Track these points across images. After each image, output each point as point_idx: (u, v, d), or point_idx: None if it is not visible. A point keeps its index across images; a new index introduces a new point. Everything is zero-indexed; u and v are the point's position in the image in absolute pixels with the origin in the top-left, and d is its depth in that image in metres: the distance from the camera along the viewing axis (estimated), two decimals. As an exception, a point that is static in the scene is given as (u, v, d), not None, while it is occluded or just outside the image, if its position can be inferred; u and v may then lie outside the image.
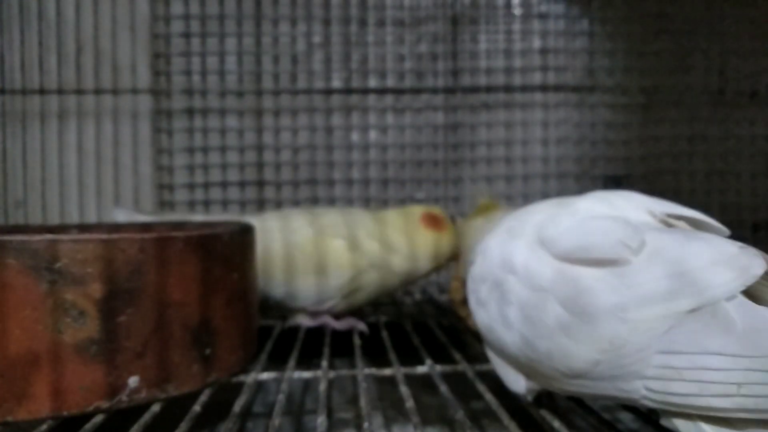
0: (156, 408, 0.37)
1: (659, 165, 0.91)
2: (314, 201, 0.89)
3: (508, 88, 0.90)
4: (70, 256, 0.34)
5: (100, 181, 0.84)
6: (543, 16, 0.90)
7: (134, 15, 0.84)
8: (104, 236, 0.36)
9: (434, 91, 0.90)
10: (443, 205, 0.86)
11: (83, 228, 0.55)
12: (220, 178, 0.87)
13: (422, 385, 0.52)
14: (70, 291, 0.34)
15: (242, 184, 0.88)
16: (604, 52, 0.91)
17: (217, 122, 0.87)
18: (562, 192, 0.89)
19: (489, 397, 0.38)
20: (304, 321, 0.61)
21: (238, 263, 0.44)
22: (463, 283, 0.57)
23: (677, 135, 0.91)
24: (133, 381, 0.36)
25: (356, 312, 0.64)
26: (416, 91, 0.90)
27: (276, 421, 0.35)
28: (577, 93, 0.91)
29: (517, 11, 0.90)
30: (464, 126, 0.91)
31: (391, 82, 0.90)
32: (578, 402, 0.39)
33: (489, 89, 0.90)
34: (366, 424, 0.34)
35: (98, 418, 0.35)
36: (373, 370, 0.45)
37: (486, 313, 0.36)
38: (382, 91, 0.90)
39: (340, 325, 0.60)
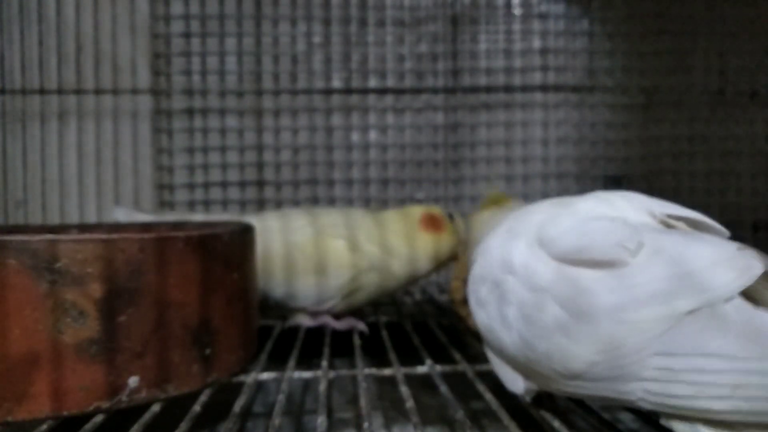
0: (156, 408, 0.37)
1: (659, 165, 0.91)
2: (314, 201, 0.89)
3: (508, 88, 0.90)
4: (70, 256, 0.34)
5: (100, 181, 0.84)
6: (543, 16, 0.90)
7: (134, 15, 0.84)
8: (104, 236, 0.36)
9: (434, 91, 0.90)
10: (443, 205, 0.86)
11: (83, 228, 0.55)
12: (220, 178, 0.87)
13: (422, 385, 0.52)
14: (70, 291, 0.34)
15: (242, 184, 0.88)
16: (604, 52, 0.91)
17: (217, 122, 0.87)
18: (562, 192, 0.89)
19: (489, 397, 0.38)
20: (304, 321, 0.61)
21: (238, 263, 0.44)
22: (464, 283, 0.57)
23: (677, 135, 0.91)
24: (133, 381, 0.36)
25: (356, 312, 0.64)
26: (416, 91, 0.90)
27: (276, 421, 0.35)
28: (577, 93, 0.91)
29: (517, 11, 0.90)
30: (464, 126, 0.91)
31: (391, 82, 0.90)
32: (578, 402, 0.39)
33: (489, 89, 0.90)
34: (366, 424, 0.34)
35: (98, 418, 0.35)
36: (373, 370, 0.45)
37: (485, 313, 0.36)
38: (382, 91, 0.90)
39: (340, 325, 0.60)
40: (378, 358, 0.50)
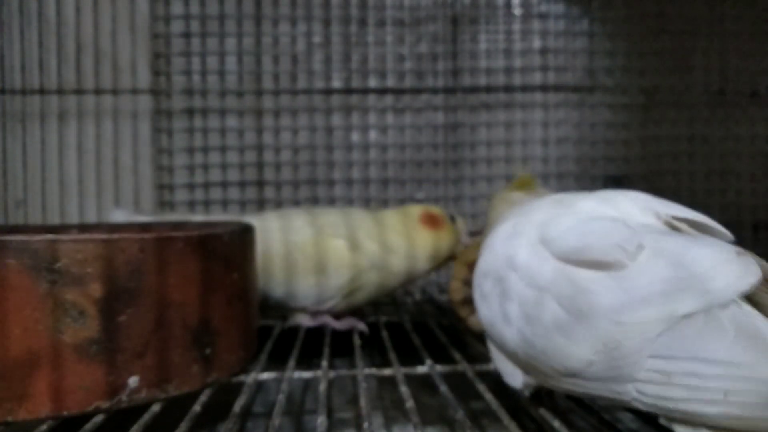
0: (156, 408, 0.37)
1: (659, 165, 0.91)
2: (314, 201, 0.89)
3: (508, 88, 0.90)
4: (70, 256, 0.34)
5: (100, 181, 0.84)
6: (543, 16, 0.90)
7: (134, 15, 0.84)
8: (104, 236, 0.36)
9: (434, 91, 0.90)
10: (443, 205, 0.86)
11: (83, 228, 0.55)
12: (220, 178, 0.87)
13: (422, 385, 0.52)
14: (70, 291, 0.34)
15: (242, 184, 0.87)
16: (604, 52, 0.91)
17: (217, 122, 0.87)
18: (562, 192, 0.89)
19: (489, 397, 0.38)
20: (304, 321, 0.61)
21: (238, 263, 0.44)
22: (463, 283, 0.57)
23: (677, 135, 0.91)
24: (133, 381, 0.36)
25: (356, 312, 0.64)
26: (416, 91, 0.90)
27: (276, 421, 0.35)
28: (577, 93, 0.91)
29: (517, 11, 0.90)
30: (464, 126, 0.91)
31: (391, 82, 0.90)
32: (578, 402, 0.39)
33: (489, 89, 0.90)
34: (366, 424, 0.34)
35: (98, 418, 0.35)
36: (373, 370, 0.45)
37: (488, 307, 0.37)
38: (382, 91, 0.90)
39: (340, 325, 0.60)
40: (378, 358, 0.50)
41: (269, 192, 0.88)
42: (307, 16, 0.88)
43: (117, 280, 0.36)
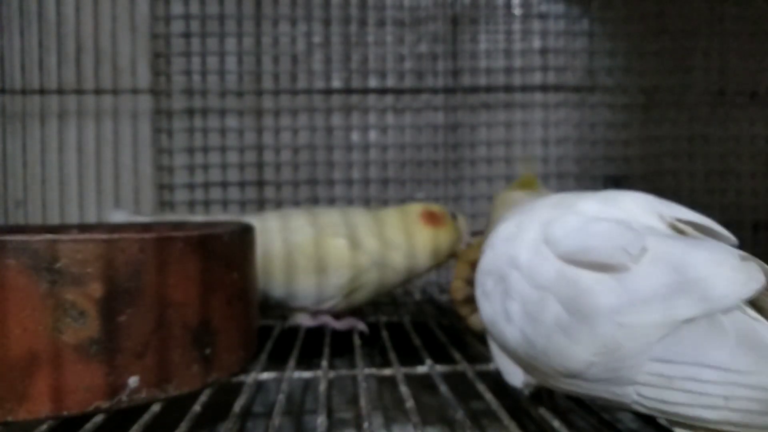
0: (156, 408, 0.37)
1: (659, 165, 0.91)
2: (314, 201, 0.89)
3: (508, 88, 0.90)
4: (70, 256, 0.34)
5: (100, 181, 0.84)
6: (543, 16, 0.90)
7: (134, 15, 0.84)
8: (104, 236, 0.36)
9: (434, 91, 0.90)
10: (443, 205, 0.86)
11: (83, 228, 0.55)
12: (220, 178, 0.87)
13: (422, 385, 0.52)
14: (70, 291, 0.34)
15: (242, 184, 0.88)
16: (604, 52, 0.91)
17: (217, 122, 0.87)
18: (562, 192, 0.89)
19: (489, 397, 0.38)
20: (305, 321, 0.61)
21: (238, 263, 0.44)
22: (465, 283, 0.57)
23: (677, 135, 0.91)
24: (133, 381, 0.36)
25: (356, 312, 0.64)
26: (416, 91, 0.90)
27: (276, 421, 0.35)
28: (577, 93, 0.91)
29: (517, 11, 0.90)
30: (464, 126, 0.91)
31: (391, 82, 0.90)
32: (578, 402, 0.39)
33: (489, 89, 0.90)
34: (366, 424, 0.34)
35: (98, 418, 0.35)
36: (373, 370, 0.45)
37: (490, 305, 0.37)
38: (382, 91, 0.90)
39: (340, 325, 0.60)
40: (378, 358, 0.50)
41: (269, 192, 0.88)
42: (307, 16, 0.88)
43: (117, 280, 0.36)
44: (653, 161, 0.91)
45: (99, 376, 0.35)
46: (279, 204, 0.88)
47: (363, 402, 0.38)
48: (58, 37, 0.82)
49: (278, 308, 0.62)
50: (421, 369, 0.45)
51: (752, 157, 0.92)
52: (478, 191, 0.90)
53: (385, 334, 0.54)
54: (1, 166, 0.79)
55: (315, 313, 0.61)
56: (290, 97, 0.88)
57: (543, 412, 0.36)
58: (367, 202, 0.89)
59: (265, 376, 0.44)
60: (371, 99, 0.90)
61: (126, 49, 0.84)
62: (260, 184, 0.88)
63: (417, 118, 0.90)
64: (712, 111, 0.91)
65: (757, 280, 0.27)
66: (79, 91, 0.82)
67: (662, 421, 0.28)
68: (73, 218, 0.82)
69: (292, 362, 0.46)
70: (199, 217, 0.67)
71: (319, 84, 0.89)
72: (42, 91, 0.81)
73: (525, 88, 0.90)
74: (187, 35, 0.86)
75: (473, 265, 0.48)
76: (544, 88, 0.90)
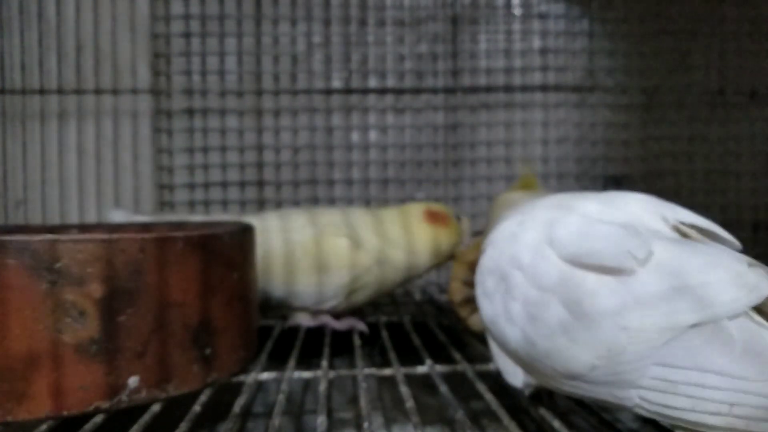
0: (156, 408, 0.37)
1: (659, 165, 0.91)
2: (314, 201, 0.89)
3: (508, 88, 0.90)
4: (70, 256, 0.34)
5: (100, 181, 0.84)
6: (543, 16, 0.90)
7: (134, 15, 0.84)
8: (104, 236, 0.36)
9: (434, 91, 0.90)
10: (445, 205, 0.86)
11: (83, 228, 0.55)
12: (220, 178, 0.87)
13: (422, 385, 0.52)
14: (70, 291, 0.34)
15: (242, 184, 0.87)
16: (604, 52, 0.91)
17: (217, 122, 0.87)
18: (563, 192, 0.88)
19: (489, 397, 0.38)
20: (304, 321, 0.61)
21: (238, 263, 0.44)
22: (463, 284, 0.57)
23: (677, 135, 0.91)
24: (133, 381, 0.36)
25: (356, 312, 0.64)
26: (416, 91, 0.90)
27: (276, 421, 0.35)
28: (577, 93, 0.91)
29: (517, 11, 0.90)
30: (464, 126, 0.91)
31: (391, 82, 0.90)
32: (578, 402, 0.39)
33: (489, 89, 0.90)
34: (366, 424, 0.34)
35: (98, 418, 0.35)
36: (373, 370, 0.45)
37: (491, 305, 0.36)
38: (382, 91, 0.90)
39: (340, 325, 0.60)
40: (378, 358, 0.50)
41: (269, 192, 0.88)
42: (307, 16, 0.88)
43: (117, 280, 0.36)
44: (653, 161, 0.91)
45: (99, 376, 0.35)
46: (279, 204, 0.88)
47: (363, 402, 0.38)
48: (58, 37, 0.82)
49: (279, 308, 0.62)
50: (421, 369, 0.45)
51: (752, 157, 0.92)
52: (478, 191, 0.90)
53: (385, 334, 0.54)
54: (1, 166, 0.79)
55: (315, 313, 0.61)
56: (290, 97, 0.88)
57: (543, 412, 0.36)
58: (367, 202, 0.89)
59: (265, 376, 0.44)
60: (371, 99, 0.90)
61: (126, 49, 0.84)
62: (260, 184, 0.88)
63: (417, 118, 0.90)
64: (712, 111, 0.91)
65: (764, 286, 0.26)
66: (79, 91, 0.82)
67: (665, 423, 0.28)
68: (73, 218, 0.82)
69: (292, 362, 0.46)
70: (199, 217, 0.67)
71: (319, 84, 0.89)
72: (42, 91, 0.81)
73: (525, 88, 0.90)
74: (187, 35, 0.86)
75: (471, 266, 0.48)
76: (544, 88, 0.90)
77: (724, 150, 0.91)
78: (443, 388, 0.40)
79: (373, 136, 0.90)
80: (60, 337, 0.34)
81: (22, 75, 0.80)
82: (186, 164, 0.87)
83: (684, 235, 0.32)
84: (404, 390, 0.39)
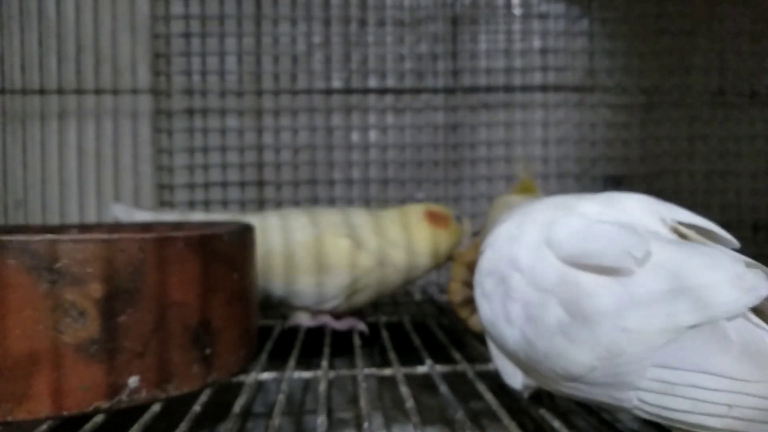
0: (156, 408, 0.37)
1: (659, 165, 0.91)
2: (314, 201, 0.89)
3: (508, 88, 0.90)
4: (70, 256, 0.34)
5: (100, 181, 0.84)
6: (543, 16, 0.90)
7: (134, 15, 0.84)
8: (104, 236, 0.36)
9: (434, 91, 0.90)
10: (444, 205, 0.86)
11: (83, 228, 0.55)
12: (220, 178, 0.87)
13: (422, 385, 0.52)
14: (70, 291, 0.34)
15: (242, 184, 0.87)
16: (604, 52, 0.91)
17: (217, 122, 0.87)
18: (562, 192, 0.89)
19: (489, 397, 0.38)
20: (305, 321, 0.61)
21: (238, 263, 0.44)
22: (463, 285, 0.57)
23: (677, 135, 0.91)
24: (133, 381, 0.36)
25: (356, 312, 0.64)
26: (416, 91, 0.90)
27: (276, 421, 0.35)
28: (577, 93, 0.91)
29: (517, 11, 0.90)
30: (464, 126, 0.91)
31: (391, 82, 0.90)
32: (578, 402, 0.39)
33: (489, 89, 0.90)
34: (366, 424, 0.34)
35: (98, 418, 0.35)
36: (373, 370, 0.45)
37: (490, 307, 0.36)
38: (382, 91, 0.90)
39: (340, 325, 0.60)
40: (378, 358, 0.50)
41: (269, 192, 0.88)
42: (307, 16, 0.88)
43: (117, 280, 0.36)
44: (653, 161, 0.91)
45: (99, 376, 0.35)
46: (279, 204, 0.88)
47: (363, 402, 0.38)
48: (58, 37, 0.82)
49: (279, 308, 0.62)
50: (421, 369, 0.45)
51: (752, 157, 0.92)
52: (478, 191, 0.90)
53: (385, 334, 0.54)
54: (1, 166, 0.79)
55: (315, 313, 0.61)
56: (290, 97, 0.88)
57: (543, 412, 0.36)
58: (367, 202, 0.89)
59: (265, 376, 0.44)
60: (371, 99, 0.90)
61: (126, 49, 0.84)
62: (260, 184, 0.88)
63: (417, 118, 0.90)
64: (711, 111, 0.91)
65: (762, 287, 0.26)
66: (79, 91, 0.82)
67: (664, 424, 0.28)
68: (73, 218, 0.82)
69: (292, 362, 0.46)
70: (199, 217, 0.67)
71: (319, 84, 0.89)
72: (42, 91, 0.81)
73: (525, 88, 0.90)
74: (187, 35, 0.86)
75: (471, 266, 0.48)
76: (544, 88, 0.90)
77: (724, 150, 0.91)
78: (443, 388, 0.40)
79: (373, 136, 0.90)
80: (60, 337, 0.34)
81: (22, 75, 0.80)
82: (186, 164, 0.87)
83: (682, 235, 0.33)
84: (404, 390, 0.39)
